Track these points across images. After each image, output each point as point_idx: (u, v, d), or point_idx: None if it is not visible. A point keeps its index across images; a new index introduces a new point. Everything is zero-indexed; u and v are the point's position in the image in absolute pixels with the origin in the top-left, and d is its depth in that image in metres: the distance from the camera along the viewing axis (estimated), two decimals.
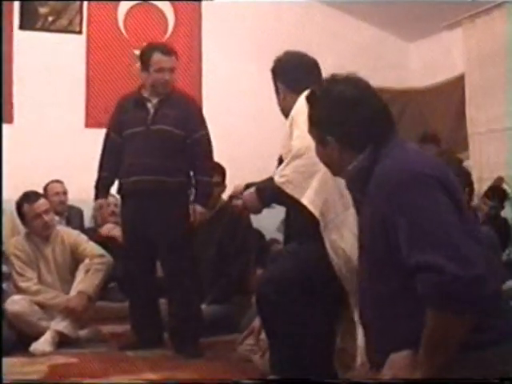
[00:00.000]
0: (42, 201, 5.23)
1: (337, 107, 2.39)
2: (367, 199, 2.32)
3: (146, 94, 4.92)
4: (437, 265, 2.01)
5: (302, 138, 3.09)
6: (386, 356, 2.20)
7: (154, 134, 4.81)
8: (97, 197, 5.00)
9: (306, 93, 3.44)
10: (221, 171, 5.65)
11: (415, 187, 2.14)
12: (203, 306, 5.24)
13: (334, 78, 2.49)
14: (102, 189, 4.99)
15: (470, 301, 2.00)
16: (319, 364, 3.21)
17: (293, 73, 3.66)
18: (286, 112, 3.63)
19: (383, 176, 2.23)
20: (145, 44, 5.55)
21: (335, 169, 2.53)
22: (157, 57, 4.83)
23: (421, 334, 2.09)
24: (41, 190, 6.73)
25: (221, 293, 5.54)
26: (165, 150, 4.80)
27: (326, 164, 2.56)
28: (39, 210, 5.16)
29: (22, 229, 5.65)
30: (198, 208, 4.89)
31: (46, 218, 5.19)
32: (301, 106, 3.31)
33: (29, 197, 5.24)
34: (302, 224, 3.37)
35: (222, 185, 5.68)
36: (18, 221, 5.69)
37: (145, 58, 4.89)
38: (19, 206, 5.24)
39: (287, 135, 3.44)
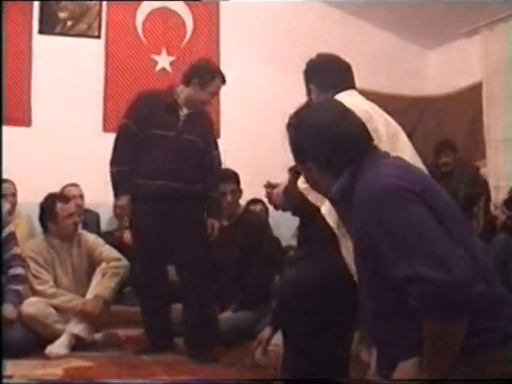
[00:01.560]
0: (72, 202, 5.36)
1: (310, 134, 2.42)
2: (352, 218, 2.34)
3: (178, 101, 4.95)
4: (419, 275, 2.03)
5: None
6: (393, 368, 2.21)
7: (184, 142, 4.87)
8: (117, 193, 4.89)
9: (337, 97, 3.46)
10: (235, 178, 5.63)
11: (390, 201, 2.15)
12: (227, 314, 5.30)
13: (307, 105, 2.59)
14: (123, 184, 4.87)
15: (459, 304, 2.01)
16: (334, 369, 3.20)
17: (326, 75, 3.59)
18: None
19: (361, 193, 2.25)
20: (205, 60, 5.50)
21: (323, 192, 2.57)
22: (217, 82, 4.97)
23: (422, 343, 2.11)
24: None
25: (246, 300, 5.50)
26: (191, 160, 4.89)
27: (315, 189, 2.63)
28: (72, 210, 5.24)
29: (38, 232, 5.68)
30: (216, 223, 4.99)
31: (77, 218, 5.30)
32: None
33: (61, 197, 5.35)
34: (321, 229, 3.36)
35: (238, 191, 5.65)
36: (34, 224, 5.71)
37: (205, 76, 4.91)
38: (51, 204, 5.23)
39: None
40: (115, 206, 4.96)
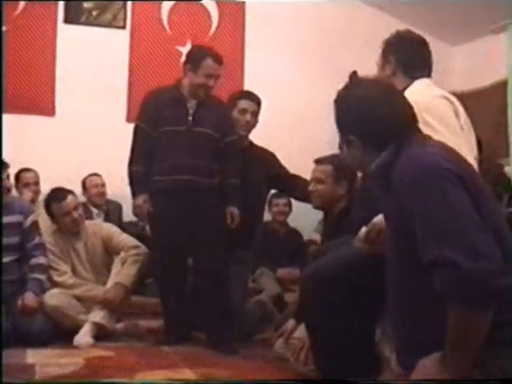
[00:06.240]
0: (69, 198, 5.25)
1: (358, 107, 2.46)
2: (389, 195, 2.34)
3: (184, 93, 4.97)
4: (450, 260, 2.03)
5: None
6: (415, 357, 2.21)
7: (196, 136, 4.88)
8: (135, 193, 4.95)
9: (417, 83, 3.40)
10: (258, 101, 5.32)
11: (430, 179, 2.16)
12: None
13: (356, 80, 2.61)
14: (140, 184, 4.93)
15: (484, 294, 2.01)
16: (357, 362, 3.19)
17: (411, 57, 3.52)
18: None
19: (402, 170, 2.26)
20: (197, 44, 5.53)
21: (361, 169, 2.64)
22: (208, 62, 4.88)
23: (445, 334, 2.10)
24: (80, 184, 6.80)
25: None
26: (206, 152, 4.91)
27: (353, 165, 2.67)
28: (68, 208, 5.20)
29: None
30: (236, 211, 4.95)
31: (75, 214, 5.23)
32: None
33: (56, 195, 5.27)
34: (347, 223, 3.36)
35: (256, 115, 5.30)
36: None
37: (195, 60, 4.91)
38: (47, 204, 5.29)
39: None
40: (133, 206, 4.98)
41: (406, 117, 2.45)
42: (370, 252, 2.99)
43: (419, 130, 2.49)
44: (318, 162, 4.54)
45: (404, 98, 2.50)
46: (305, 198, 4.92)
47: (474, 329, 2.06)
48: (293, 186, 5.40)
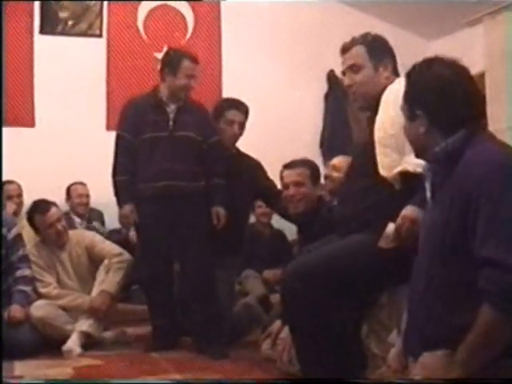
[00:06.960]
0: (53, 210, 5.22)
1: (433, 84, 2.40)
2: (450, 182, 2.29)
3: (163, 98, 4.96)
4: (505, 261, 2.02)
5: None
6: (422, 346, 2.22)
7: (178, 140, 4.87)
8: (121, 202, 4.94)
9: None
10: (246, 111, 5.28)
11: (507, 181, 2.13)
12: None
13: (435, 58, 2.51)
14: (125, 193, 4.92)
15: None
16: (343, 359, 3.18)
17: (392, 54, 3.58)
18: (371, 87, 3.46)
19: (476, 162, 2.21)
20: (171, 48, 5.56)
21: (420, 148, 2.52)
22: (186, 63, 4.90)
23: (463, 334, 2.08)
24: (63, 193, 6.78)
25: None
26: (189, 156, 4.90)
27: (412, 142, 2.57)
28: (51, 220, 5.17)
29: None
30: (222, 211, 4.94)
31: (59, 226, 5.20)
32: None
33: (39, 207, 5.23)
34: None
35: (244, 126, 5.27)
36: None
37: (173, 63, 4.92)
38: (30, 216, 5.26)
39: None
40: (120, 216, 4.98)
41: (479, 105, 2.42)
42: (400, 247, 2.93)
43: (487, 123, 2.46)
44: (288, 166, 4.49)
45: (477, 86, 2.45)
46: (290, 216, 4.92)
47: (500, 334, 2.05)
48: (279, 202, 5.36)
